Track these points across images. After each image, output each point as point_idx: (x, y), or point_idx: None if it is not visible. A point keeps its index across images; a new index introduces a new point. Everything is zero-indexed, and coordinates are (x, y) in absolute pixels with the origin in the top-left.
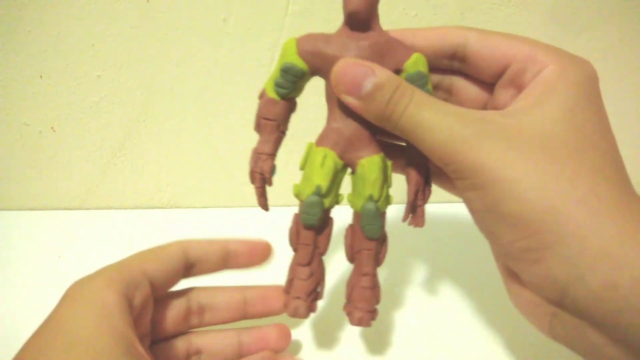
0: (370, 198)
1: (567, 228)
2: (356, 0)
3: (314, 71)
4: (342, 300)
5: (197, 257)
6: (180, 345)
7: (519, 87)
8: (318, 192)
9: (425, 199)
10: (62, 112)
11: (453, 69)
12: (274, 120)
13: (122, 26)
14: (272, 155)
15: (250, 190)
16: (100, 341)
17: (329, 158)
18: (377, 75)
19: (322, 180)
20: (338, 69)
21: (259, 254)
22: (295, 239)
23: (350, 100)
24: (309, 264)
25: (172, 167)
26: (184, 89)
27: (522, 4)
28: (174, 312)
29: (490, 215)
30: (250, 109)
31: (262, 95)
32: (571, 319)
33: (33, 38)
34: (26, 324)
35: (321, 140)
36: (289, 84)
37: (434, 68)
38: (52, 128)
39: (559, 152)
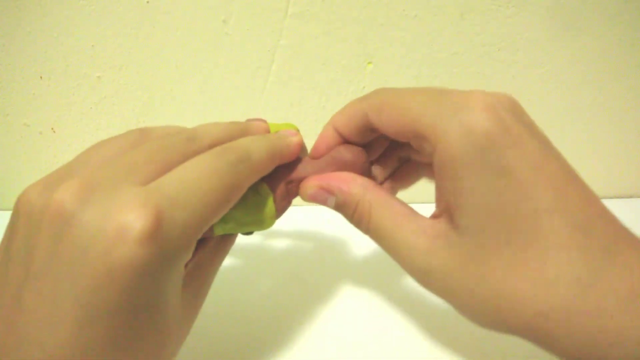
0: None
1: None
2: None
3: None
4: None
5: None
6: None
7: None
8: None
9: None
10: (62, 113)
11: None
12: None
13: (122, 27)
14: None
15: None
16: None
17: None
18: (337, 196)
19: None
20: (303, 194)
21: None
22: None
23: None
24: None
25: None
26: (184, 90)
27: (522, 5)
28: None
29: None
30: (250, 110)
31: None
32: None
33: (33, 39)
34: None
35: None
36: None
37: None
38: (52, 129)
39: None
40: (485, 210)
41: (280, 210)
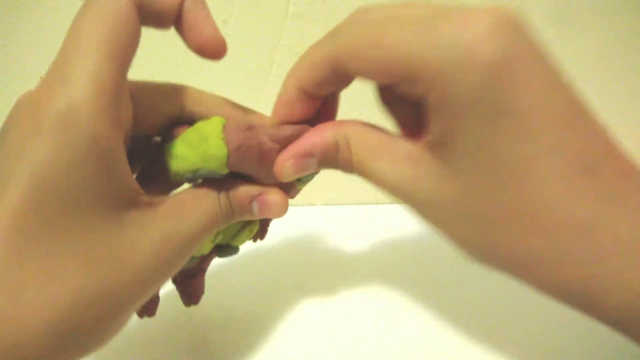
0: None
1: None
2: None
3: None
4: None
5: None
6: None
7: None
8: None
9: None
10: None
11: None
12: None
13: None
14: None
15: None
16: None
17: None
18: (316, 154)
19: None
20: (285, 175)
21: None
22: None
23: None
24: None
25: None
26: None
27: (522, 5)
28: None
29: None
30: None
31: None
32: None
33: (33, 39)
34: None
35: None
36: None
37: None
38: None
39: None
40: (483, 153)
41: (233, 155)
